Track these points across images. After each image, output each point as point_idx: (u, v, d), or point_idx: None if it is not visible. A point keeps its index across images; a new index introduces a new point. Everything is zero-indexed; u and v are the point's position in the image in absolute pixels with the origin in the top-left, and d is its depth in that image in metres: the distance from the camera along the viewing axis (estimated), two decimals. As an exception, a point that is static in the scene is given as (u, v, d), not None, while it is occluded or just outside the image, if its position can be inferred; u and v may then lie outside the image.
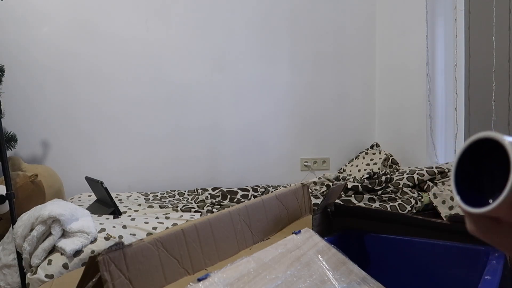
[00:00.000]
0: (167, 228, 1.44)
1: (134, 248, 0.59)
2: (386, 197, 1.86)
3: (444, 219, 1.33)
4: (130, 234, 1.38)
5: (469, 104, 2.30)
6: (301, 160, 2.73)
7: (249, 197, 2.07)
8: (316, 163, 2.76)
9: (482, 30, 2.21)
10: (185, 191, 2.26)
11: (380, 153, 2.68)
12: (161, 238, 0.65)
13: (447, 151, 2.49)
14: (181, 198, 2.12)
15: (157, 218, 1.54)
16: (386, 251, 1.15)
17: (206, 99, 2.51)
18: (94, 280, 0.52)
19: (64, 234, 1.30)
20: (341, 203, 1.64)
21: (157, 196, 2.13)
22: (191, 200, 2.03)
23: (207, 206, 1.85)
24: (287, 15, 2.67)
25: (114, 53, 2.32)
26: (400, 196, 1.88)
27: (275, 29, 2.65)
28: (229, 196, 2.04)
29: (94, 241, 1.31)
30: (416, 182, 1.98)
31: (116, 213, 1.61)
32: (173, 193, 2.22)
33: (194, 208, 1.83)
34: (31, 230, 1.28)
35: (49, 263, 1.23)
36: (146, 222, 1.47)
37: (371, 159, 2.65)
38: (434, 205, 1.85)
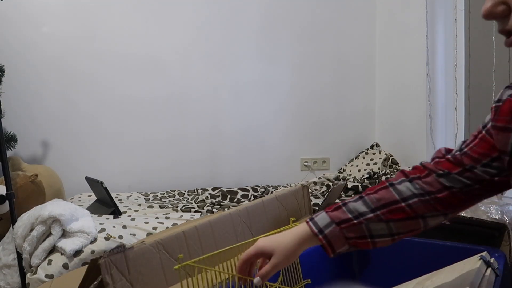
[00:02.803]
0: (167, 228, 1.44)
1: (135, 250, 0.59)
2: (386, 197, 1.86)
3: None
4: (130, 234, 1.38)
5: (469, 104, 2.30)
6: (301, 160, 2.73)
7: (249, 197, 2.07)
8: (316, 163, 2.76)
9: (482, 30, 2.21)
10: (185, 191, 2.26)
11: (380, 153, 2.69)
12: (162, 240, 0.65)
13: (447, 151, 2.49)
14: (181, 198, 2.12)
15: (157, 218, 1.54)
16: (386, 251, 1.15)
17: (206, 99, 2.50)
18: (95, 283, 0.52)
19: (64, 234, 1.30)
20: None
21: (157, 196, 2.13)
22: (191, 200, 2.03)
23: (207, 206, 1.85)
24: (287, 16, 2.66)
25: (114, 54, 2.32)
26: (400, 196, 1.88)
27: (275, 29, 2.64)
28: (229, 196, 2.04)
29: (94, 241, 1.31)
30: (416, 182, 1.97)
31: (116, 213, 1.61)
32: (173, 193, 2.22)
33: (194, 208, 1.83)
34: (31, 230, 1.28)
35: (49, 263, 1.23)
36: (146, 222, 1.47)
37: (371, 159, 2.65)
38: (434, 205, 1.84)
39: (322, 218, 0.71)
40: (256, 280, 0.68)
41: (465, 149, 0.67)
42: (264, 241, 0.70)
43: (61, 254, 1.25)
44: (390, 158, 2.64)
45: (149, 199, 2.06)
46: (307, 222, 0.72)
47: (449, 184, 0.67)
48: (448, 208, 0.68)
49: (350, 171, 2.67)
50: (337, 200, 1.70)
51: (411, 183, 0.69)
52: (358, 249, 0.71)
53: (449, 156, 0.69)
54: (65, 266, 1.22)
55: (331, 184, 2.06)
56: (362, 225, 0.69)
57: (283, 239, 0.70)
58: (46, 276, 1.20)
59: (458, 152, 0.68)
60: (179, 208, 1.80)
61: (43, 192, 1.80)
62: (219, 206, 1.90)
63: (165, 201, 1.99)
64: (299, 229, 0.71)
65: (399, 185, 0.70)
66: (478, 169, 0.65)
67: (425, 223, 0.68)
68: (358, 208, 0.70)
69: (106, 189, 1.62)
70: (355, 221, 0.69)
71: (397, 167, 2.58)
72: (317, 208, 1.16)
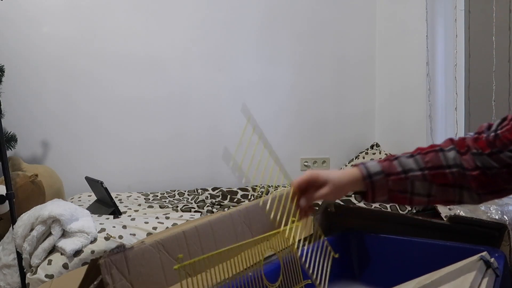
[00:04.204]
0: (167, 228, 1.44)
1: (135, 250, 0.60)
2: (386, 197, 1.86)
3: (444, 219, 1.33)
4: (130, 234, 1.38)
5: (469, 104, 2.30)
6: (301, 160, 2.73)
7: (249, 197, 2.07)
8: (316, 163, 2.76)
9: (482, 30, 2.21)
10: (185, 191, 2.26)
11: (380, 153, 2.69)
12: (162, 241, 0.65)
13: (447, 151, 2.49)
14: (181, 198, 2.12)
15: (157, 218, 1.54)
16: (386, 251, 1.14)
17: (206, 99, 2.50)
18: (95, 283, 0.52)
19: (64, 234, 1.30)
20: (342, 203, 1.64)
21: (157, 196, 2.13)
22: (191, 200, 2.03)
23: (207, 206, 1.86)
24: (287, 16, 2.66)
25: (114, 54, 2.32)
26: (400, 196, 1.88)
27: (275, 29, 2.64)
28: (229, 196, 2.04)
29: (94, 241, 1.31)
30: (416, 182, 1.97)
31: (116, 213, 1.62)
32: (173, 193, 2.22)
33: (194, 208, 1.84)
34: (31, 230, 1.28)
35: (49, 263, 1.23)
36: (146, 222, 1.47)
37: (371, 159, 2.65)
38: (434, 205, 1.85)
39: (373, 165, 0.75)
40: (302, 201, 0.73)
41: (499, 131, 0.71)
42: (317, 171, 0.74)
43: (61, 254, 1.25)
44: (390, 158, 2.64)
45: (149, 199, 2.06)
46: (357, 166, 0.76)
47: (480, 164, 0.71)
48: (479, 187, 0.72)
49: (350, 171, 2.67)
50: (338, 201, 1.70)
51: (457, 154, 0.74)
52: (393, 203, 0.76)
53: (485, 135, 0.73)
54: (65, 266, 1.22)
55: (331, 184, 2.06)
56: (408, 181, 0.73)
57: (335, 173, 0.74)
58: (46, 276, 1.20)
59: (493, 133, 0.72)
60: (179, 208, 1.80)
61: (43, 192, 1.80)
62: (219, 206, 1.90)
63: (165, 201, 1.99)
64: (349, 170, 0.75)
65: (449, 152, 0.74)
66: (505, 154, 0.68)
67: (460, 196, 0.74)
68: (408, 164, 0.74)
69: (106, 189, 1.62)
70: (403, 176, 0.74)
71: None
72: (317, 208, 1.16)
